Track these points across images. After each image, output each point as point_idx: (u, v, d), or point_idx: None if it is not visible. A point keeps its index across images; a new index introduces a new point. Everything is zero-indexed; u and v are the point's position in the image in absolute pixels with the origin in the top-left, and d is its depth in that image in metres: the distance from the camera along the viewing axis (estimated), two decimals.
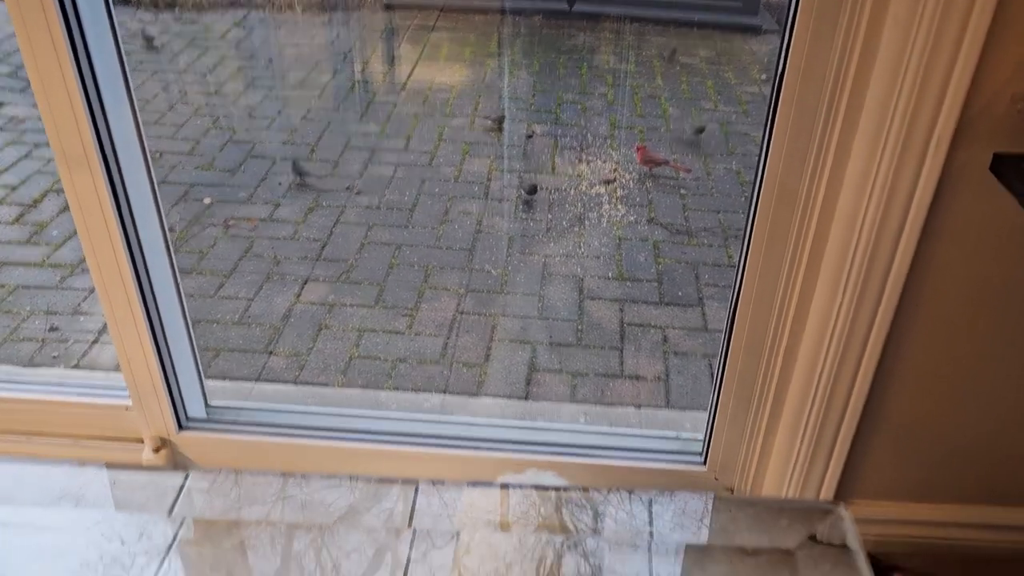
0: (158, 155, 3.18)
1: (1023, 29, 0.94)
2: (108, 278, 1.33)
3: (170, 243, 1.40)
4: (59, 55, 1.12)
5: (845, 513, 1.21)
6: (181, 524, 1.30)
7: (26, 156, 3.17)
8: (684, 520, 1.27)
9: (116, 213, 1.26)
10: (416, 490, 1.33)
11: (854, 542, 1.17)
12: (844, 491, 1.35)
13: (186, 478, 1.45)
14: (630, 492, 1.28)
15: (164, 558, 1.23)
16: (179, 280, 1.44)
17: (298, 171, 3.02)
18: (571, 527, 1.15)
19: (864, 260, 1.11)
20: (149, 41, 4.03)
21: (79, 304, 2.40)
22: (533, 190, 2.92)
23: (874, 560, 1.36)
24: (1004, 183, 0.99)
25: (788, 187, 1.13)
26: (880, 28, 0.99)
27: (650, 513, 1.30)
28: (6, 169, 3.10)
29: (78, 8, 1.12)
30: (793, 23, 1.02)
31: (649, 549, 1.35)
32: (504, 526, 1.15)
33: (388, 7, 4.45)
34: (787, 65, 1.05)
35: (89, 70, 1.16)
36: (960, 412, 1.26)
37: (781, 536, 1.24)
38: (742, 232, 1.24)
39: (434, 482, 1.31)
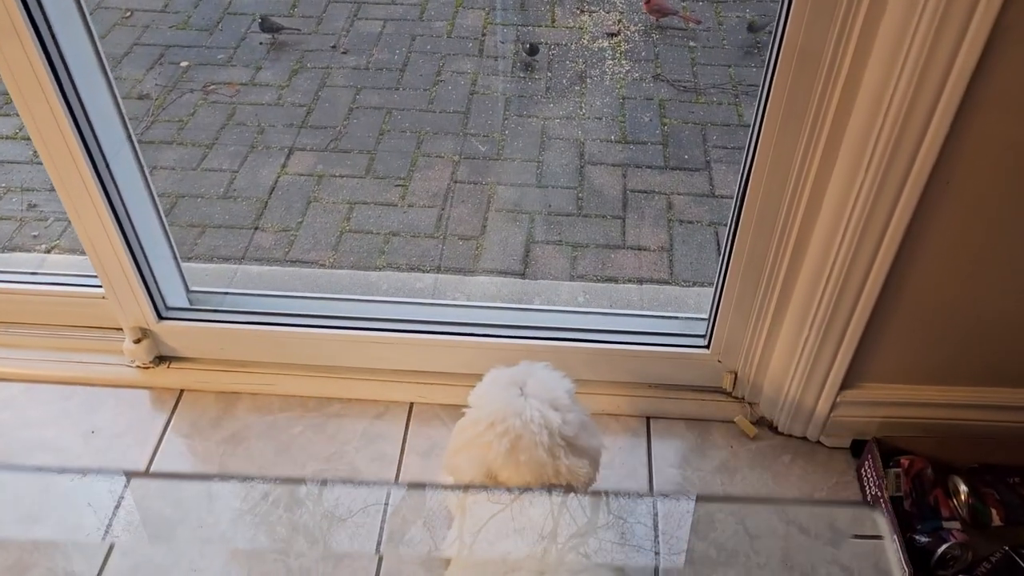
0: (128, 13, 2.97)
1: None
2: (57, 160, 1.22)
3: (127, 120, 1.28)
4: None
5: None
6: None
7: None
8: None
9: (55, 86, 1.13)
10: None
11: None
12: (852, 375, 1.29)
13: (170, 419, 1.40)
14: None
15: None
16: (143, 161, 1.33)
17: (270, 28, 2.79)
18: None
19: (893, 132, 0.99)
20: None
21: None
22: (534, 50, 2.71)
23: (880, 444, 1.31)
24: None
25: (811, 49, 0.99)
26: None
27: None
28: None
29: None
30: None
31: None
32: None
33: None
34: None
35: None
36: (980, 294, 1.17)
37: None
38: (755, 90, 1.11)
39: None
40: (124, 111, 1.27)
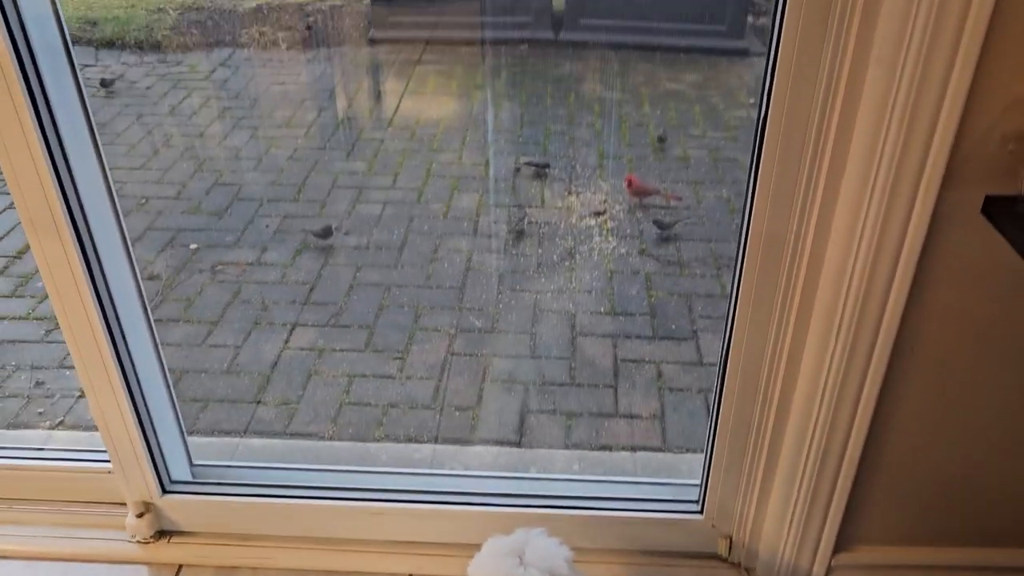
0: (144, 200, 3.16)
1: (1011, 69, 0.92)
2: (82, 343, 1.29)
3: (146, 301, 1.37)
4: (22, 120, 1.09)
5: None
6: None
7: (10, 207, 3.14)
8: None
9: (87, 274, 1.22)
10: None
11: None
12: (844, 537, 1.31)
13: None
14: None
15: None
16: (157, 339, 1.41)
17: (324, 234, 2.90)
18: None
19: (856, 305, 1.08)
20: (106, 85, 3.96)
21: (64, 358, 2.36)
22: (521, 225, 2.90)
23: None
24: (996, 225, 0.96)
25: (775, 231, 1.10)
26: (864, 68, 0.96)
27: None
28: None
29: (39, 68, 1.09)
30: (775, 66, 1.00)
31: None
32: None
33: (372, 42, 4.45)
34: (770, 107, 1.02)
35: (54, 132, 1.13)
36: (958, 452, 1.23)
37: None
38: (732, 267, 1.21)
39: None
40: (143, 290, 1.37)
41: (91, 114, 1.19)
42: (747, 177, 1.11)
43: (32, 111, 1.09)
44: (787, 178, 1.06)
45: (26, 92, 1.08)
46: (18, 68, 1.06)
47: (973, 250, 1.04)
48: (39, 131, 1.11)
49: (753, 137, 1.07)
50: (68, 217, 1.17)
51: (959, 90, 0.92)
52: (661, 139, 3.49)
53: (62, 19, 1.11)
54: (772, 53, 1.00)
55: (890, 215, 1.01)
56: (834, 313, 1.11)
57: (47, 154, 1.12)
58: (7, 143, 1.11)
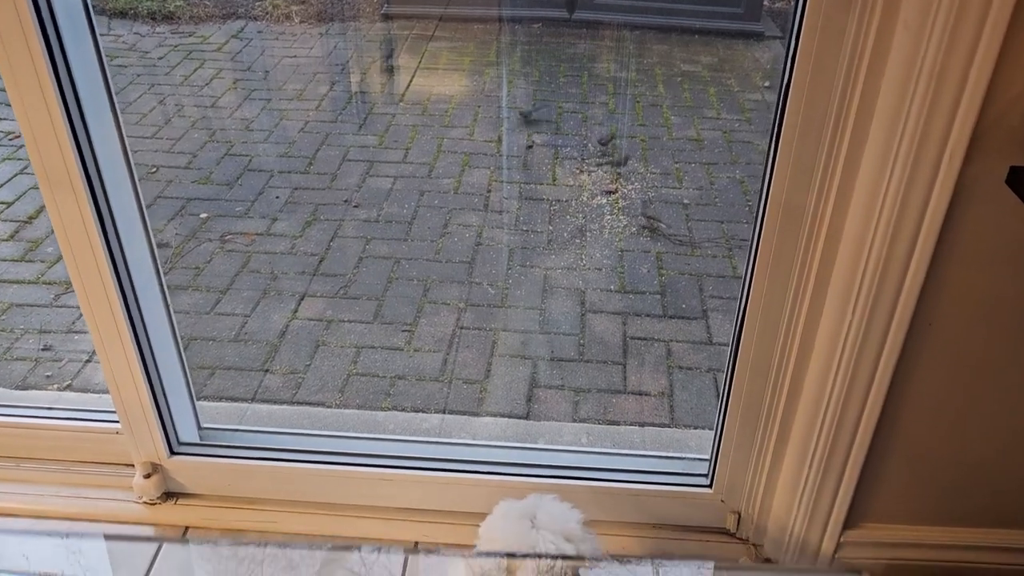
0: (154, 169, 3.15)
1: None
2: (94, 301, 1.29)
3: (159, 265, 1.37)
4: (39, 75, 1.09)
5: None
6: None
7: (21, 172, 3.14)
8: None
9: (101, 235, 1.22)
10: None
11: None
12: (855, 515, 1.31)
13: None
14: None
15: None
16: (169, 302, 1.41)
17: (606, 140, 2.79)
18: None
19: (874, 280, 1.07)
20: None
21: (73, 323, 2.36)
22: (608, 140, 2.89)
23: None
24: (1021, 196, 0.94)
25: (794, 204, 1.09)
26: (891, 34, 0.94)
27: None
28: (1, 185, 3.07)
29: (59, 26, 1.08)
30: (800, 31, 0.98)
31: None
32: None
33: (386, 17, 4.43)
34: (793, 74, 1.01)
35: (71, 90, 1.13)
36: (972, 433, 1.22)
37: None
38: (747, 244, 1.20)
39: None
40: (156, 253, 1.36)
41: (109, 77, 1.18)
42: (767, 148, 1.09)
43: (51, 69, 1.09)
44: (808, 148, 1.04)
45: (46, 52, 1.08)
46: (39, 28, 1.06)
47: (995, 225, 1.02)
48: (57, 88, 1.10)
49: (775, 104, 1.06)
50: (83, 173, 1.16)
51: (988, 57, 0.90)
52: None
53: None
54: (797, 17, 0.98)
55: (912, 186, 0.99)
56: (851, 287, 1.09)
57: (64, 110, 1.12)
58: (25, 98, 1.11)
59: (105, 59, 1.17)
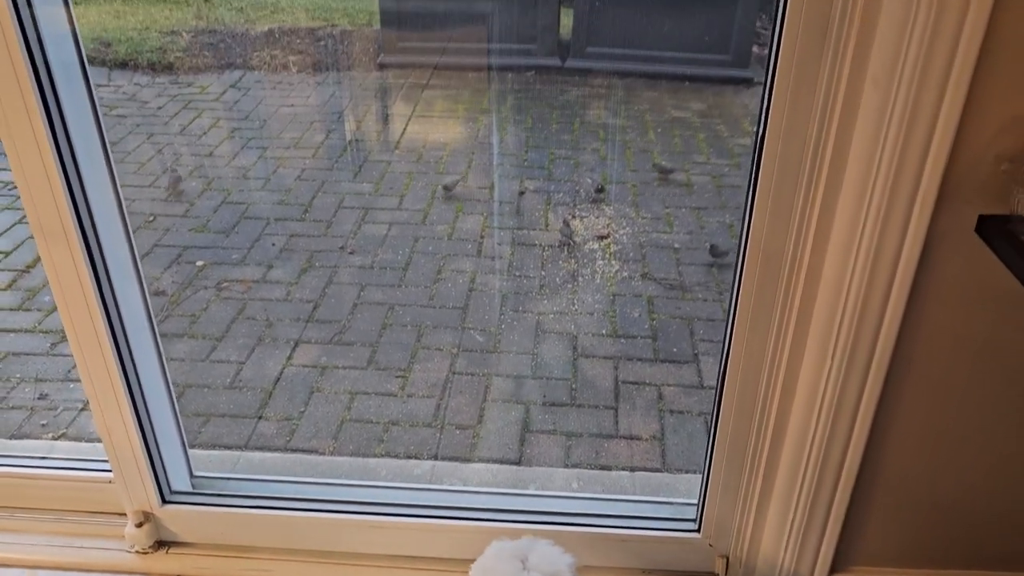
0: (152, 218, 3.19)
1: (1004, 89, 0.94)
2: (87, 350, 1.31)
3: (152, 314, 1.39)
4: (35, 129, 1.12)
5: None
6: None
7: (19, 221, 3.18)
8: None
9: (95, 285, 1.24)
10: None
11: None
12: (842, 558, 1.31)
13: None
14: None
15: None
16: (162, 351, 1.42)
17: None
18: None
19: (852, 323, 1.09)
20: None
21: (69, 371, 2.38)
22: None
23: None
24: (990, 245, 0.97)
25: (773, 250, 1.11)
26: (860, 89, 0.98)
27: None
28: (0, 234, 3.11)
29: (54, 78, 1.12)
30: (772, 85, 1.02)
31: None
32: None
33: (382, 66, 4.51)
34: (768, 125, 1.04)
35: (66, 142, 1.16)
36: (955, 474, 1.23)
37: None
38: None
39: None
40: (149, 302, 1.38)
41: (104, 130, 1.21)
42: (746, 193, 1.12)
43: (46, 122, 1.12)
44: (785, 196, 1.08)
45: (41, 105, 1.11)
46: (35, 82, 1.09)
47: (967, 269, 1.05)
48: (52, 140, 1.13)
49: (751, 155, 1.09)
50: (77, 224, 1.19)
51: (953, 111, 0.94)
52: (664, 169, 3.52)
53: (79, 38, 1.14)
54: (770, 73, 1.02)
55: (886, 233, 1.02)
56: (831, 330, 1.12)
57: (59, 162, 1.15)
58: (20, 151, 1.14)
59: (100, 111, 1.20)
